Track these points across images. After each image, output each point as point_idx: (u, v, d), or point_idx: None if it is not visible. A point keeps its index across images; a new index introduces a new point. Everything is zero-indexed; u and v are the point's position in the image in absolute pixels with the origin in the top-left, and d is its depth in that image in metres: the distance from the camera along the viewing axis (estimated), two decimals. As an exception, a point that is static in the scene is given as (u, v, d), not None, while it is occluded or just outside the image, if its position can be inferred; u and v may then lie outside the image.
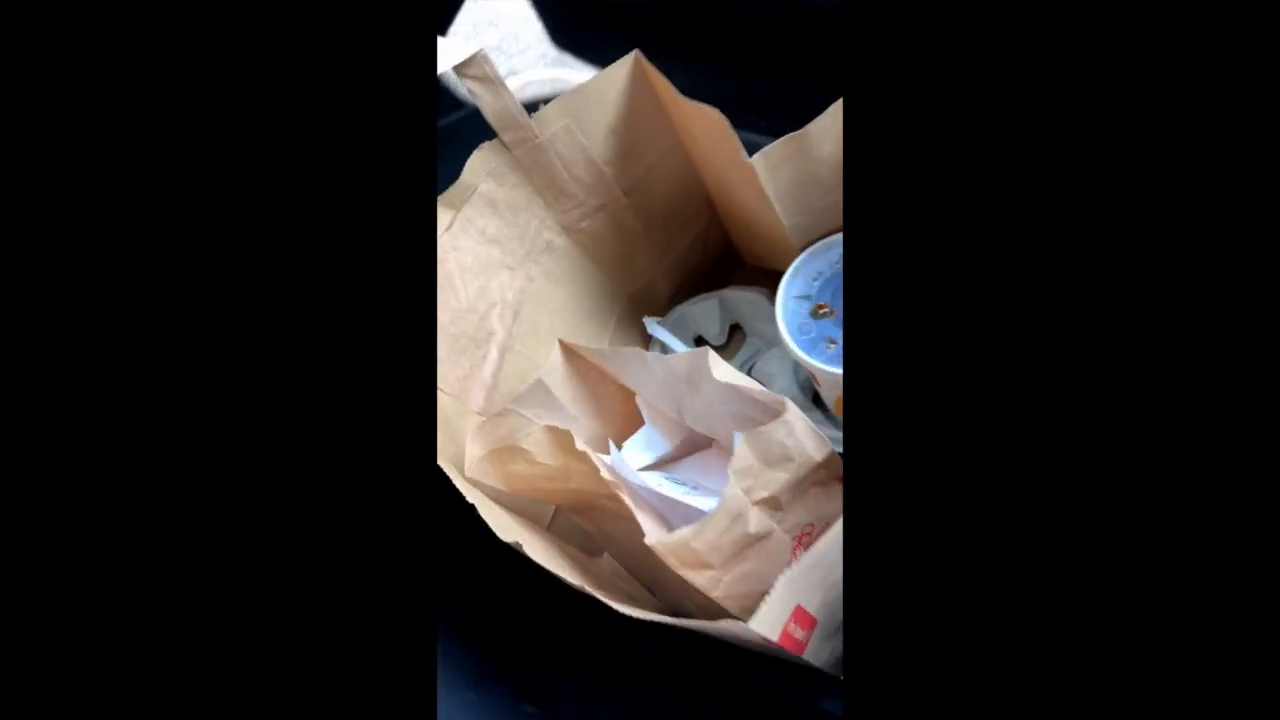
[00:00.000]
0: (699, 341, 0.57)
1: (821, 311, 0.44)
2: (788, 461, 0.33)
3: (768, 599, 0.27)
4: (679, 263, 0.54)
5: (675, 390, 0.38)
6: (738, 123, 0.38)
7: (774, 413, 0.33)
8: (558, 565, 0.33)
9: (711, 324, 0.56)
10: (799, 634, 0.32)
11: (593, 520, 0.43)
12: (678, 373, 0.37)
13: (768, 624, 0.28)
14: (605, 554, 0.44)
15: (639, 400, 0.41)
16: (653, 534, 0.31)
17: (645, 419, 0.41)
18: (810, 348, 0.43)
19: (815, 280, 0.45)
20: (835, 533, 0.30)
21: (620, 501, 0.34)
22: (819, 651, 0.36)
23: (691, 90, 0.38)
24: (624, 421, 0.43)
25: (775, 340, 0.53)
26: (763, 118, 0.49)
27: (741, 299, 0.55)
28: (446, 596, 0.37)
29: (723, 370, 0.34)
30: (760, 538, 0.34)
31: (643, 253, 0.51)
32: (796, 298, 0.45)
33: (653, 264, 0.53)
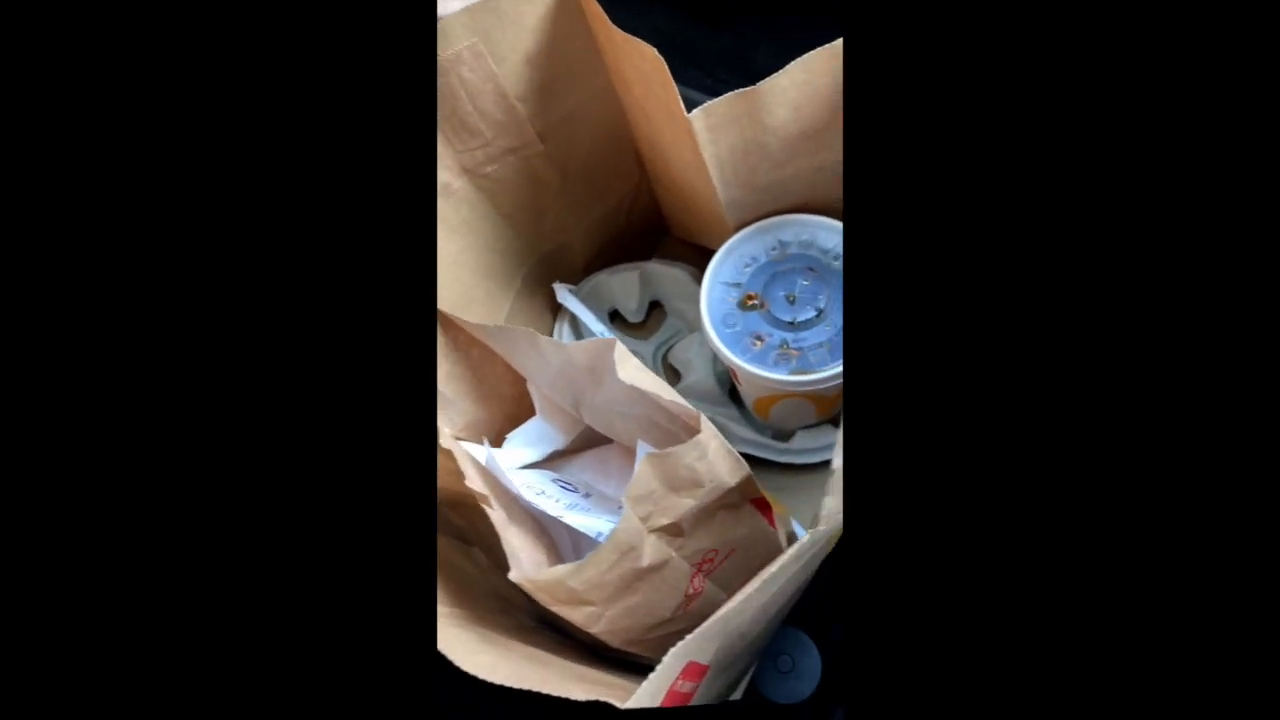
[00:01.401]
0: (614, 316, 0.51)
1: (750, 303, 0.39)
2: (696, 487, 0.27)
3: (650, 677, 0.22)
4: (600, 225, 0.47)
5: (574, 381, 0.32)
6: (681, 77, 0.32)
7: (685, 427, 0.27)
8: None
9: (630, 298, 0.50)
10: (685, 688, 0.28)
11: (464, 516, 0.37)
12: (578, 363, 0.31)
13: (647, 697, 0.23)
14: (475, 548, 0.38)
15: (531, 387, 0.35)
16: (522, 566, 0.25)
17: (536, 409, 0.35)
18: (733, 342, 0.38)
19: (748, 266, 0.40)
20: (740, 605, 0.25)
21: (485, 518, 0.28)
22: (707, 692, 0.32)
23: (634, 30, 0.32)
24: (513, 407, 0.37)
25: (697, 324, 0.47)
26: (710, 75, 0.43)
27: (665, 274, 0.49)
28: None
29: (630, 369, 0.28)
30: (654, 569, 0.29)
31: (558, 209, 0.45)
32: (725, 284, 0.40)
33: (570, 223, 0.46)
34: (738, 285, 0.39)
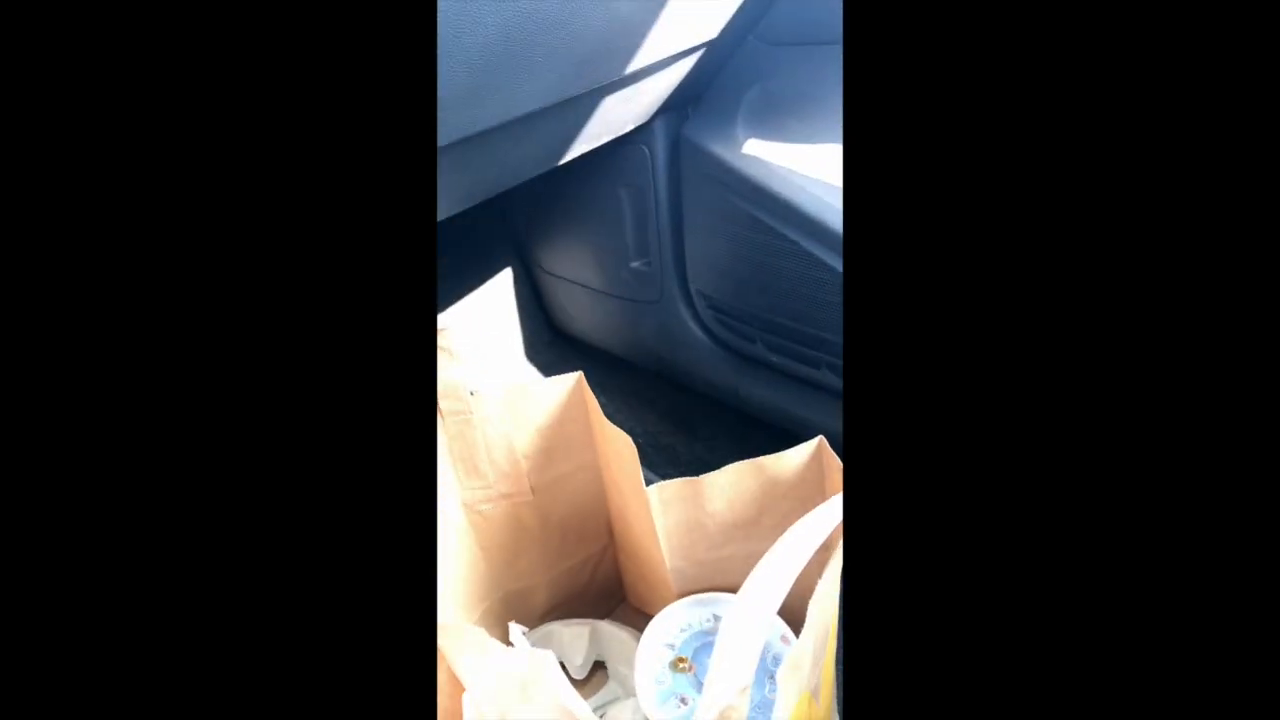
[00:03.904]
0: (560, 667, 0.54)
1: (680, 665, 0.43)
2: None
3: None
4: (565, 576, 0.54)
5: (506, 694, 0.35)
6: (663, 473, 0.42)
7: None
8: None
9: (577, 653, 0.53)
10: None
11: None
12: (513, 675, 0.34)
13: None
14: None
15: (465, 698, 0.38)
16: None
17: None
18: (661, 700, 0.41)
19: (683, 631, 0.45)
20: None
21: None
22: None
23: (630, 428, 0.43)
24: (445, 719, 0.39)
25: (632, 690, 0.50)
26: (684, 474, 0.53)
27: (613, 636, 0.53)
28: None
29: (561, 689, 0.32)
30: None
31: (532, 554, 0.51)
32: (661, 644, 0.44)
33: (539, 569, 0.52)
34: (671, 646, 0.44)
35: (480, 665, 0.36)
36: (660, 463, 0.66)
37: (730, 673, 0.24)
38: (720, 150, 0.58)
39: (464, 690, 0.38)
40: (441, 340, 0.43)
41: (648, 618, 0.55)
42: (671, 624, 0.45)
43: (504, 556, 0.51)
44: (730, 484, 0.40)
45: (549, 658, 0.33)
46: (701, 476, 0.40)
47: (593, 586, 0.56)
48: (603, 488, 0.51)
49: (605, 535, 0.54)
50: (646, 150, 0.63)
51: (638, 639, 0.53)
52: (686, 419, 0.71)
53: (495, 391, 0.45)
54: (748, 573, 0.45)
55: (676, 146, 0.62)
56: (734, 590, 0.46)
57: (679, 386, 0.73)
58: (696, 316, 0.68)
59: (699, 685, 0.42)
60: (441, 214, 0.51)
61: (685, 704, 0.41)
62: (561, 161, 0.57)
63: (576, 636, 0.53)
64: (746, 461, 0.40)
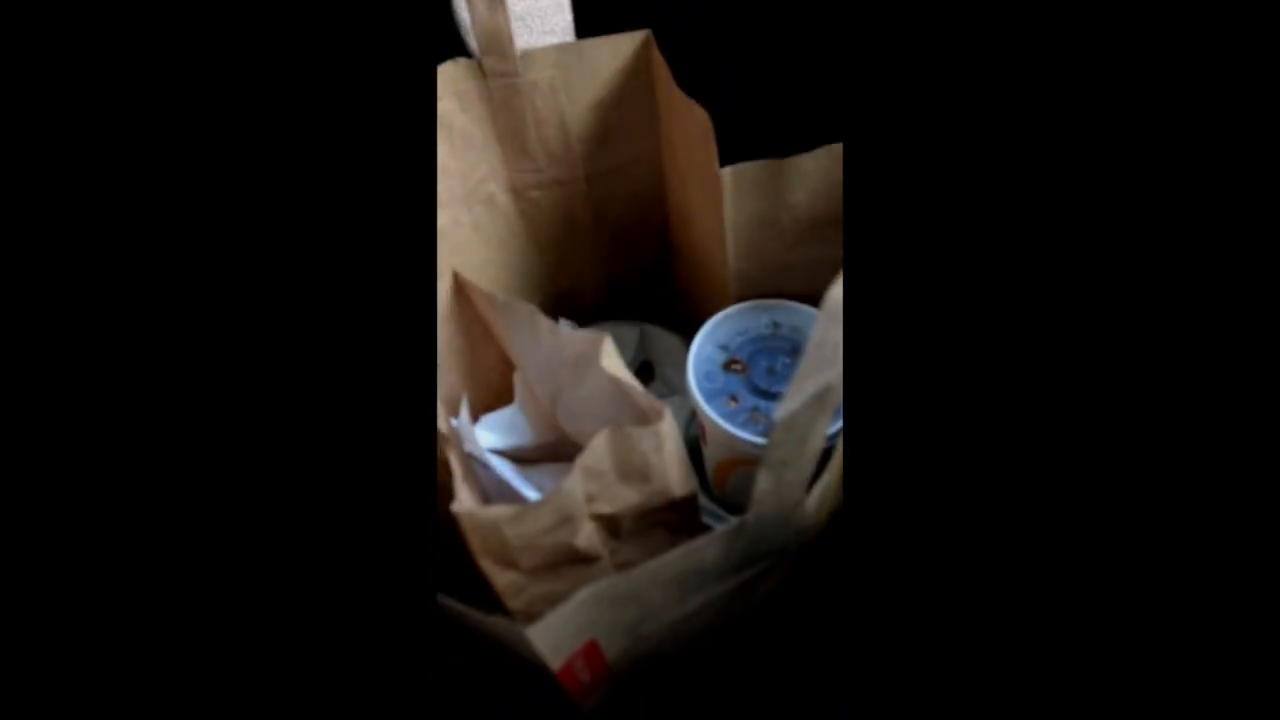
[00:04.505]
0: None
1: (734, 366, 0.42)
2: (644, 481, 0.29)
3: (559, 607, 0.23)
4: (616, 278, 0.51)
5: (557, 374, 0.34)
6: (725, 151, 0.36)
7: (648, 420, 0.29)
8: None
9: (626, 352, 0.53)
10: (584, 675, 0.28)
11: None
12: (565, 356, 0.33)
13: (550, 641, 0.23)
14: None
15: (516, 377, 0.37)
16: (463, 502, 0.26)
17: (516, 398, 0.37)
18: (710, 397, 0.40)
19: (739, 335, 0.43)
20: (662, 565, 0.26)
21: (446, 471, 0.30)
22: (605, 710, 0.31)
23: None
24: (491, 395, 0.39)
25: (680, 391, 0.50)
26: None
27: (662, 338, 0.52)
28: None
29: (613, 361, 0.30)
30: (584, 559, 0.30)
31: (584, 251, 0.48)
32: (714, 345, 0.43)
33: (590, 268, 0.50)
34: (725, 348, 0.42)
35: (533, 343, 0.34)
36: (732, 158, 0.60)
37: (830, 359, 0.22)
38: None
39: (514, 370, 0.38)
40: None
41: (699, 325, 0.53)
42: (729, 327, 0.43)
43: (555, 252, 0.48)
44: (817, 171, 0.35)
45: (604, 337, 0.31)
46: (786, 159, 0.35)
47: (643, 290, 0.54)
48: (662, 184, 0.46)
49: (660, 237, 0.50)
50: None
51: (687, 345, 0.52)
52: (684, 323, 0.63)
53: (547, 52, 0.38)
54: (814, 281, 0.42)
55: None
56: (797, 298, 0.42)
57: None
58: None
59: (751, 387, 0.41)
60: None
61: (735, 402, 0.40)
62: None
63: (623, 337, 0.52)
64: (839, 144, 0.34)
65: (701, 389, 0.40)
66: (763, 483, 0.25)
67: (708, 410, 0.39)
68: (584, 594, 0.23)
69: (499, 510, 0.26)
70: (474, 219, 0.43)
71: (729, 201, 0.37)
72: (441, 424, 0.31)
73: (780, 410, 0.23)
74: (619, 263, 0.49)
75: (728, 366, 0.42)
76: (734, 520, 0.26)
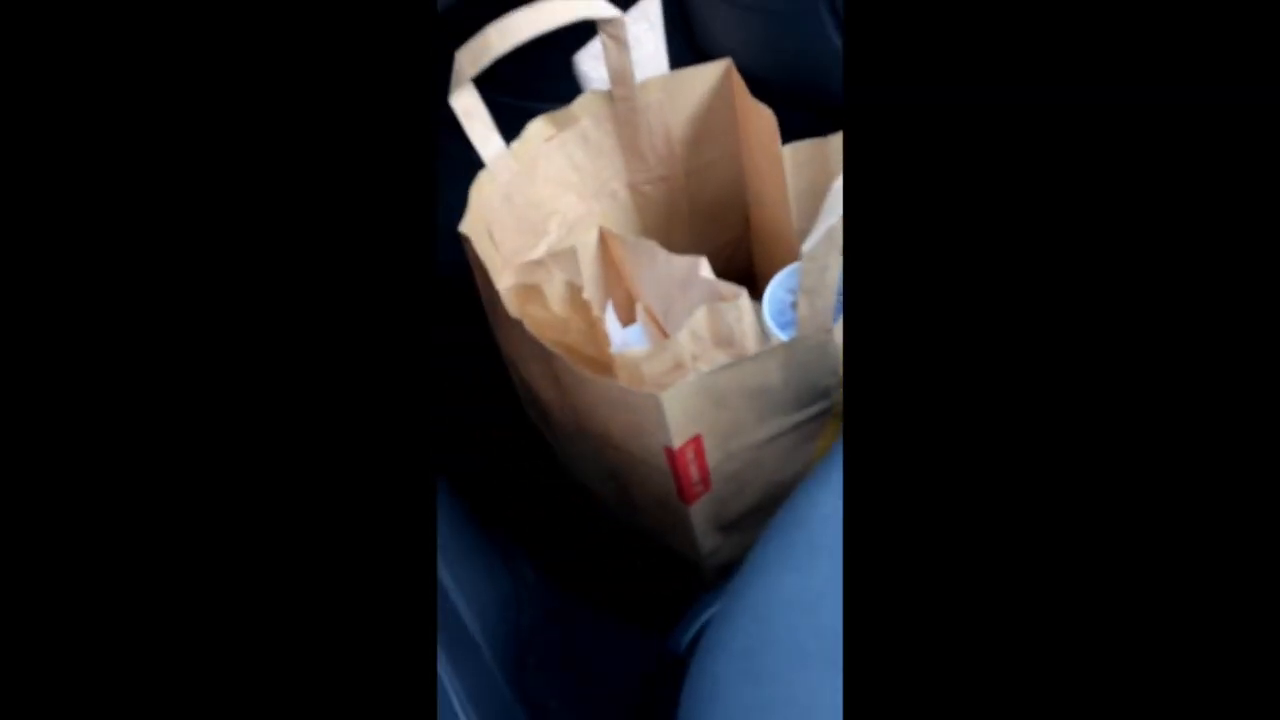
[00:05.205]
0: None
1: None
2: (729, 345, 0.43)
3: (678, 383, 0.37)
4: (705, 252, 0.66)
5: (668, 291, 0.49)
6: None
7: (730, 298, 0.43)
8: None
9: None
10: (692, 467, 0.41)
11: (553, 380, 0.51)
12: (675, 275, 0.47)
13: (674, 413, 0.37)
14: None
15: (639, 307, 0.52)
16: (619, 347, 0.41)
17: (639, 319, 0.51)
18: (781, 327, 0.54)
19: (805, 280, 0.56)
20: (741, 371, 0.39)
21: (598, 363, 0.44)
22: (705, 528, 0.44)
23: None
24: (624, 320, 0.54)
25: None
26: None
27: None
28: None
29: (707, 269, 0.44)
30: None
31: (681, 235, 0.63)
32: (785, 290, 0.56)
33: (685, 248, 0.64)
34: (793, 291, 0.56)
35: (650, 269, 0.49)
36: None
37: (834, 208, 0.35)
38: None
39: (637, 301, 0.53)
40: (613, 30, 0.52)
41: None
42: (796, 277, 0.56)
43: (659, 236, 0.63)
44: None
45: (701, 258, 0.45)
46: (828, 137, 0.49)
47: (730, 270, 0.68)
48: (742, 176, 0.61)
49: (743, 223, 0.65)
50: None
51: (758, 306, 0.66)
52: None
53: (656, 80, 0.55)
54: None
55: None
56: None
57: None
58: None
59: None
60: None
61: (801, 330, 0.53)
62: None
63: (715, 304, 0.67)
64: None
65: (775, 320, 0.54)
66: (802, 308, 0.38)
67: (779, 335, 0.53)
68: (694, 377, 0.37)
69: (637, 352, 0.40)
70: (602, 209, 0.59)
71: (790, 173, 0.51)
72: (601, 322, 0.46)
73: (806, 244, 0.36)
74: (707, 240, 0.64)
75: (795, 306, 0.55)
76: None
